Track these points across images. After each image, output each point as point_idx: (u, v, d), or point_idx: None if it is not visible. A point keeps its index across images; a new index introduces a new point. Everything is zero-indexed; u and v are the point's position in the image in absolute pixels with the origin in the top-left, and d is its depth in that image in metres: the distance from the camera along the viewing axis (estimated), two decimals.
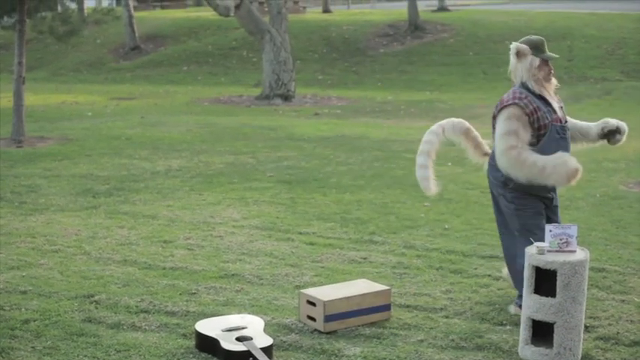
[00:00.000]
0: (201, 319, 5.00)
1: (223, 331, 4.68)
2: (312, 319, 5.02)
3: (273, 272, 6.11)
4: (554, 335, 4.47)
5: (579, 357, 4.53)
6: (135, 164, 10.47)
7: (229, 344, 4.51)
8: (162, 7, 38.08)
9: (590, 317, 5.13)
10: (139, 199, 8.55)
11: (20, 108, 12.53)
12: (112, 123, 14.53)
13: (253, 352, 4.41)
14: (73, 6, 24.17)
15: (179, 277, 5.99)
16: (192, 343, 4.77)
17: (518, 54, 5.12)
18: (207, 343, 4.64)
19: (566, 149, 5.03)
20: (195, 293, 5.64)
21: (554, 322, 4.46)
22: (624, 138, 5.31)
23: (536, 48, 5.12)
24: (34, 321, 5.10)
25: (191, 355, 4.62)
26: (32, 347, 4.71)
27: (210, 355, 4.59)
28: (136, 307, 5.36)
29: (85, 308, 5.33)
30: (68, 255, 6.54)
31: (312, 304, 5.01)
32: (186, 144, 12.08)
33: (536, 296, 4.51)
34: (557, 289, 4.43)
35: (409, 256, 6.57)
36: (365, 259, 6.46)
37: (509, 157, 4.92)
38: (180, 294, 5.63)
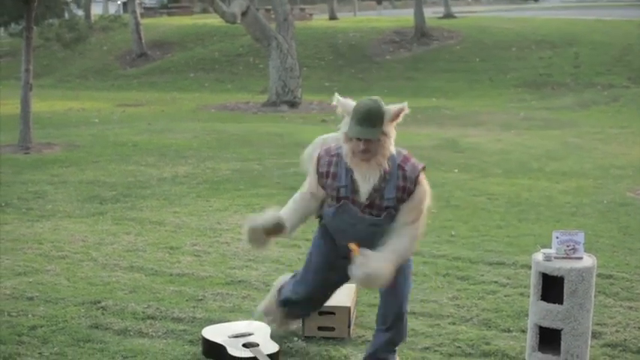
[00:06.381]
0: (208, 325, 4.99)
1: (230, 337, 4.68)
2: (328, 329, 4.96)
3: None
4: (562, 342, 4.45)
5: None
6: (142, 171, 10.48)
7: (236, 351, 4.51)
8: (169, 14, 38.11)
9: (598, 324, 5.11)
10: (146, 205, 8.56)
11: (27, 115, 12.56)
12: (118, 130, 14.56)
13: (260, 358, 4.41)
14: (80, 13, 24.28)
15: (186, 284, 6.00)
16: (198, 349, 4.77)
17: (342, 107, 4.21)
18: (213, 350, 4.64)
19: (351, 236, 4.21)
20: (201, 299, 5.65)
21: (562, 329, 4.45)
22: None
23: (353, 112, 4.11)
24: (41, 327, 5.10)
25: None
26: (39, 353, 4.72)
27: None
28: (143, 313, 5.37)
29: (91, 314, 5.34)
30: (75, 261, 6.55)
31: (331, 313, 4.96)
32: (192, 150, 12.09)
33: (543, 303, 4.50)
34: (565, 296, 4.42)
35: (416, 262, 6.53)
36: None
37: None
38: (186, 300, 5.63)
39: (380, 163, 4.12)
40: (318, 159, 4.30)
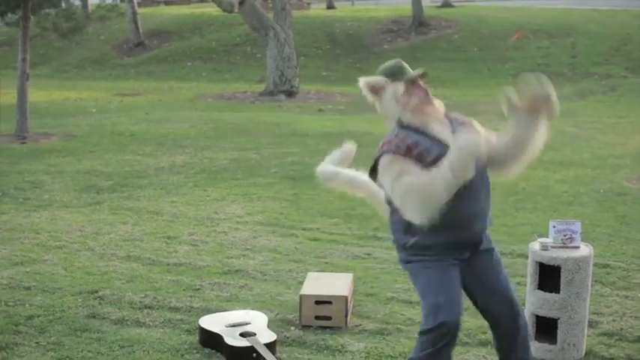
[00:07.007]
0: (205, 314, 5.00)
1: (227, 326, 4.68)
2: (325, 318, 4.97)
3: (276, 268, 6.11)
4: (558, 331, 4.47)
5: (583, 353, 4.53)
6: (139, 160, 10.47)
7: (233, 340, 4.52)
8: (166, 4, 37.99)
9: (594, 313, 5.12)
10: (143, 195, 8.56)
11: (24, 104, 12.54)
12: (116, 119, 14.54)
13: (257, 347, 4.42)
14: (77, 2, 24.17)
15: (183, 273, 6.00)
16: (195, 338, 4.78)
17: (373, 89, 4.01)
18: (211, 339, 4.64)
19: (469, 188, 3.92)
20: (199, 289, 5.65)
21: (558, 318, 4.45)
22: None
23: (393, 74, 3.96)
24: (38, 317, 5.11)
25: (195, 351, 4.62)
26: (36, 343, 4.72)
27: (213, 351, 4.60)
28: (140, 302, 5.37)
29: (89, 304, 5.34)
30: (72, 251, 6.55)
31: (328, 302, 4.97)
32: (190, 140, 12.08)
33: (540, 292, 4.51)
34: (561, 285, 4.43)
35: None
36: (369, 254, 6.46)
37: (399, 186, 3.75)
38: (184, 290, 5.63)
39: (437, 104, 3.93)
40: (391, 150, 3.83)
